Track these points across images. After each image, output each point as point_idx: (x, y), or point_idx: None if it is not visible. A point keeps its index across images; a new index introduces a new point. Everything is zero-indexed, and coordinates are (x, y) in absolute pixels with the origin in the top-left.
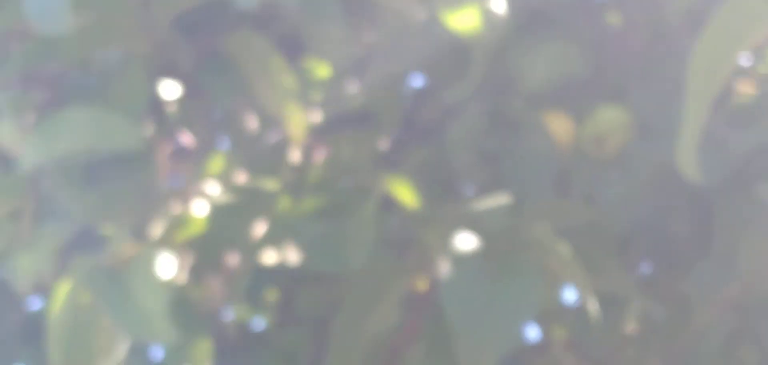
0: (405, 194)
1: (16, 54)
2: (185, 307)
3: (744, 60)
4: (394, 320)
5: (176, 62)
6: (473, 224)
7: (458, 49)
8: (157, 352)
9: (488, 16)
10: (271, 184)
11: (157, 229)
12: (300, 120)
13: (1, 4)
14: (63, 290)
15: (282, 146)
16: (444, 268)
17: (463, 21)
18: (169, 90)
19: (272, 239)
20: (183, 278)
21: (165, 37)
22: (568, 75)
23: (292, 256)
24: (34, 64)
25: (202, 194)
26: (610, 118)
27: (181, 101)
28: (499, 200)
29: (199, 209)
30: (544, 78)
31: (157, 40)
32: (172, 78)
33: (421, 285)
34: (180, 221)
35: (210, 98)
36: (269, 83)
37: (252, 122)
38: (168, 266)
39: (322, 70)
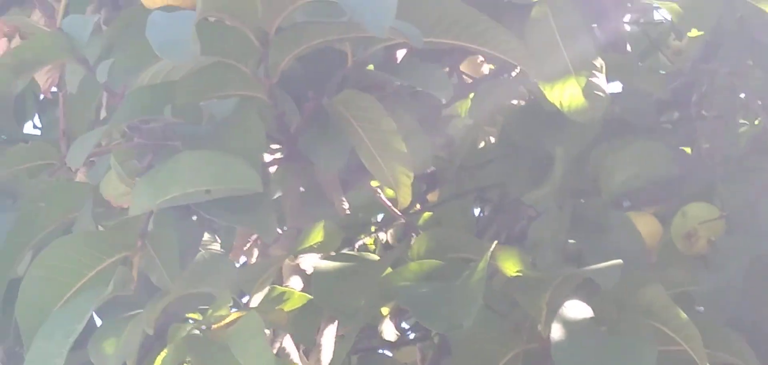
0: (509, 261)
1: (126, 103)
2: None
3: None
4: None
5: (284, 117)
6: (583, 287)
7: None
8: None
9: (591, 92)
10: (372, 255)
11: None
12: (408, 185)
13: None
14: (160, 359)
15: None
16: (556, 332)
17: (564, 96)
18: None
19: (377, 304)
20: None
21: (278, 87)
22: (653, 175)
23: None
24: (147, 112)
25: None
26: (700, 214)
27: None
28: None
29: (296, 283)
30: (629, 178)
31: (271, 90)
32: (279, 133)
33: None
34: (279, 294)
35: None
36: (380, 147)
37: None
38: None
39: None
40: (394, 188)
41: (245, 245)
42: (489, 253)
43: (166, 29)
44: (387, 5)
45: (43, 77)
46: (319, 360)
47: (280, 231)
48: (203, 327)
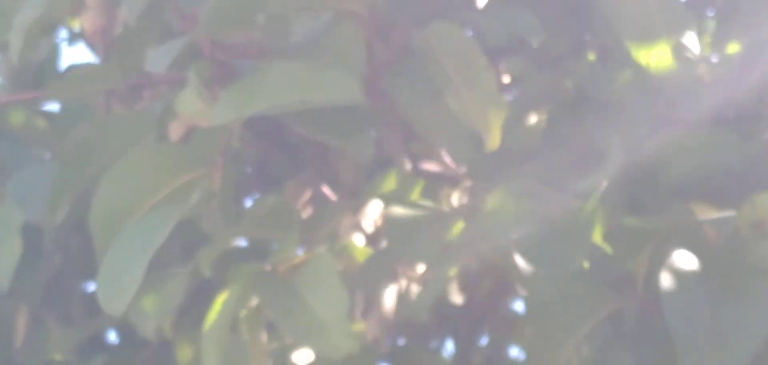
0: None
1: (212, 11)
2: None
3: None
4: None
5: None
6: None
7: None
8: None
9: (681, 53)
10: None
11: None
12: (498, 126)
13: None
14: (220, 301)
15: None
16: (665, 284)
17: (654, 56)
18: None
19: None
20: None
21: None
22: (716, 165)
23: None
24: (234, 23)
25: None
26: None
27: None
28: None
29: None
30: (690, 168)
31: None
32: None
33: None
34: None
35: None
36: (471, 86)
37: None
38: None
39: None
40: (483, 130)
41: (299, 200)
42: (598, 193)
43: None
44: None
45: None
46: (381, 319)
47: None
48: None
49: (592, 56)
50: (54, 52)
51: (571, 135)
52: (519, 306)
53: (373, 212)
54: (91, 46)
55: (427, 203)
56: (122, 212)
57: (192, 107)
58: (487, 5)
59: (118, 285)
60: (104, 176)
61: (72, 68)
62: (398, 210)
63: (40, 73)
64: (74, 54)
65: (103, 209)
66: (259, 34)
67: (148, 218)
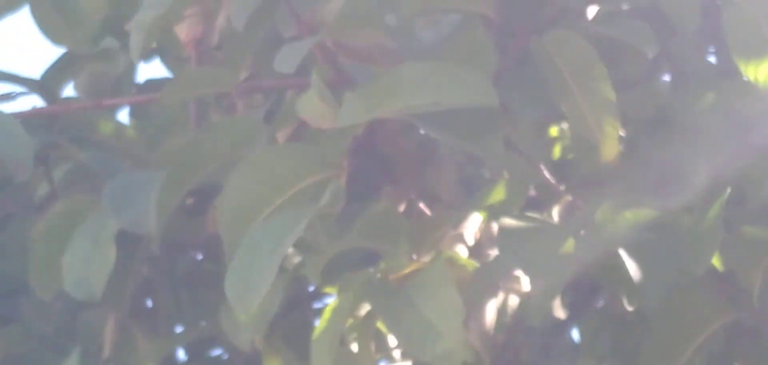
0: None
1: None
2: None
3: None
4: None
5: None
6: None
7: None
8: None
9: None
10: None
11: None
12: (615, 137)
13: None
14: (330, 309)
15: None
16: None
17: (763, 72)
18: None
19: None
20: None
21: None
22: None
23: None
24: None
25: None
26: None
27: None
28: None
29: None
30: None
31: (499, 6)
32: None
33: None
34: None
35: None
36: (588, 94)
37: None
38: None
39: None
40: (599, 140)
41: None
42: (724, 197)
43: None
44: None
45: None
46: (483, 331)
47: None
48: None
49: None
50: (131, 67)
51: (653, 157)
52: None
53: (473, 225)
54: (186, 54)
55: (537, 215)
56: (250, 211)
57: (314, 109)
58: (599, 16)
59: (248, 283)
60: (231, 176)
61: (183, 72)
62: (510, 221)
63: (117, 86)
64: (149, 69)
65: (231, 208)
66: (383, 37)
67: (278, 218)
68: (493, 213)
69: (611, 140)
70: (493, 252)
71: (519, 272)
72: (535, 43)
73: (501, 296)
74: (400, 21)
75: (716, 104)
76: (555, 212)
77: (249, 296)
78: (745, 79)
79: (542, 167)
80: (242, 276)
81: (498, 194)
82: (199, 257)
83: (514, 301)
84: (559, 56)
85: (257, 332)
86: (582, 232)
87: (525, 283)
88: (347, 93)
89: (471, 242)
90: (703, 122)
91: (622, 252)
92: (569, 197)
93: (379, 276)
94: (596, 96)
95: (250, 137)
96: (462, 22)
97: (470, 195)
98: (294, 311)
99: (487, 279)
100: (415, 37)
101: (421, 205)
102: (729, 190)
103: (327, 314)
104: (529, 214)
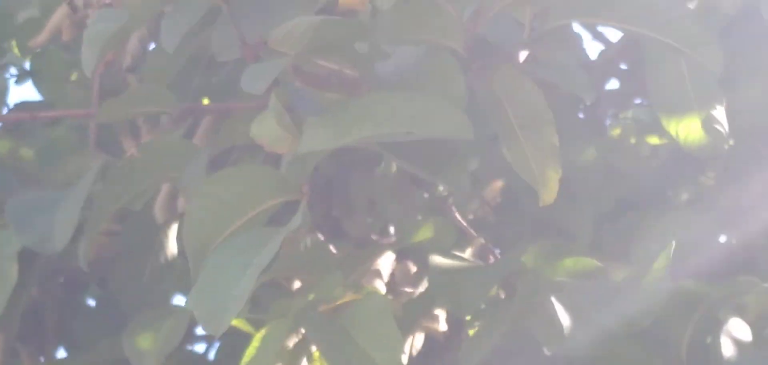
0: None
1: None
2: None
3: None
4: None
5: None
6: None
7: None
8: None
9: (711, 126)
10: None
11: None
12: (556, 182)
13: None
14: (260, 336)
15: None
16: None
17: (681, 128)
18: None
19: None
20: None
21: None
22: None
23: None
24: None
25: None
26: None
27: None
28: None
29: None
30: None
31: (470, 40)
32: None
33: None
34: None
35: None
36: (532, 138)
37: None
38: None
39: None
40: (539, 184)
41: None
42: (670, 250)
43: None
44: None
45: None
46: None
47: None
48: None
49: None
50: (3, 90)
51: None
52: None
53: (387, 262)
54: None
55: (464, 255)
56: (212, 232)
57: (271, 132)
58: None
59: (218, 303)
60: (194, 197)
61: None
62: (441, 260)
63: None
64: (22, 92)
65: (196, 227)
66: (344, 64)
67: (246, 239)
68: (421, 250)
69: (551, 185)
70: (408, 289)
71: (439, 311)
72: (485, 81)
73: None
74: (372, 49)
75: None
76: (468, 253)
77: (220, 315)
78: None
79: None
80: (210, 295)
81: (426, 231)
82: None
83: (419, 340)
84: (504, 94)
85: (159, 360)
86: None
87: (442, 322)
88: (310, 118)
89: (387, 276)
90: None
91: (553, 298)
92: (482, 241)
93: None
94: (540, 141)
95: (185, 159)
96: (429, 52)
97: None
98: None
99: (415, 314)
100: (373, 67)
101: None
102: (674, 244)
103: (257, 341)
104: (457, 253)
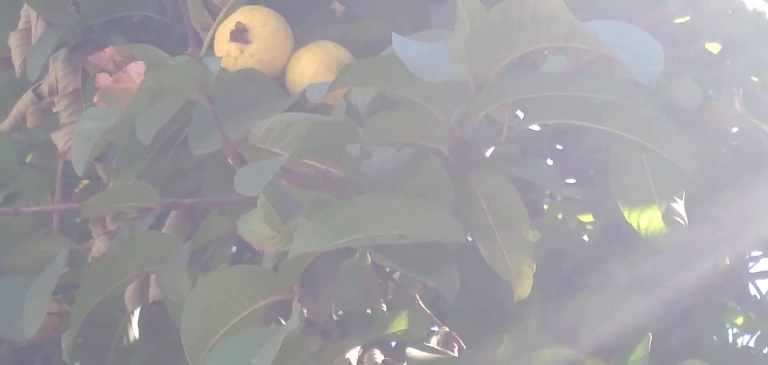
0: None
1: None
2: None
3: None
4: None
5: None
6: None
7: None
8: None
9: (671, 217)
10: None
11: None
12: (530, 276)
13: None
14: None
15: None
16: None
17: (644, 221)
18: None
19: None
20: None
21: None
22: None
23: None
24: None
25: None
26: None
27: None
28: None
29: None
30: None
31: (457, 144)
32: None
33: None
34: None
35: None
36: (506, 234)
37: None
38: None
39: None
40: (514, 279)
41: None
42: (648, 341)
43: (419, 50)
44: (656, 56)
45: (62, 139)
46: None
47: None
48: None
49: None
50: None
51: None
52: None
53: (354, 353)
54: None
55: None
56: (210, 330)
57: (259, 231)
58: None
59: None
60: (190, 297)
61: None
62: (417, 353)
63: None
64: None
65: (193, 326)
66: (331, 163)
67: (245, 339)
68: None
69: (526, 279)
70: None
71: None
72: (461, 179)
73: None
74: (362, 151)
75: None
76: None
77: None
78: None
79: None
80: None
81: (400, 323)
82: None
83: None
84: (480, 192)
85: None
86: None
87: None
88: (301, 220)
89: None
90: None
91: None
92: (446, 329)
93: None
94: (514, 235)
95: (165, 253)
96: (415, 155)
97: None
98: None
99: None
100: (360, 167)
101: None
102: (650, 335)
103: None
104: (431, 346)
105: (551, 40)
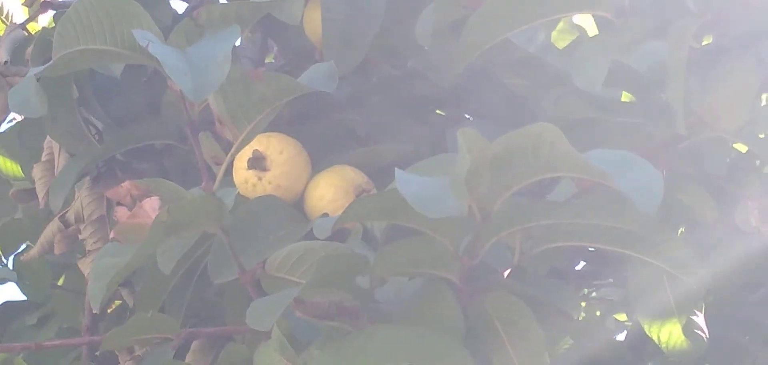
0: None
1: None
2: None
3: None
4: None
5: None
6: None
7: None
8: None
9: (691, 330)
10: None
11: None
12: None
13: None
14: None
15: None
16: None
17: (663, 333)
18: None
19: None
20: None
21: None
22: None
23: None
24: (335, 282)
25: None
26: None
27: None
28: None
29: None
30: None
31: (467, 274)
32: None
33: None
34: None
35: None
36: (524, 358)
37: None
38: None
39: None
40: None
41: None
42: None
43: (420, 185)
44: (656, 186)
45: (88, 266)
46: None
47: None
48: None
49: None
50: None
51: None
52: None
53: None
54: None
55: None
56: None
57: (273, 363)
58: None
59: None
60: None
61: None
62: None
63: None
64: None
65: None
66: (343, 294)
67: None
68: None
69: None
70: None
71: None
72: (476, 303)
73: None
74: (375, 281)
75: None
76: None
77: None
78: None
79: None
80: None
81: None
82: None
83: None
84: (497, 317)
85: None
86: None
87: None
88: (314, 351)
89: None
90: None
91: None
92: None
93: None
94: (532, 359)
95: None
96: (426, 285)
97: None
98: None
99: None
100: (373, 297)
101: None
102: None
103: None
104: None
105: (553, 171)
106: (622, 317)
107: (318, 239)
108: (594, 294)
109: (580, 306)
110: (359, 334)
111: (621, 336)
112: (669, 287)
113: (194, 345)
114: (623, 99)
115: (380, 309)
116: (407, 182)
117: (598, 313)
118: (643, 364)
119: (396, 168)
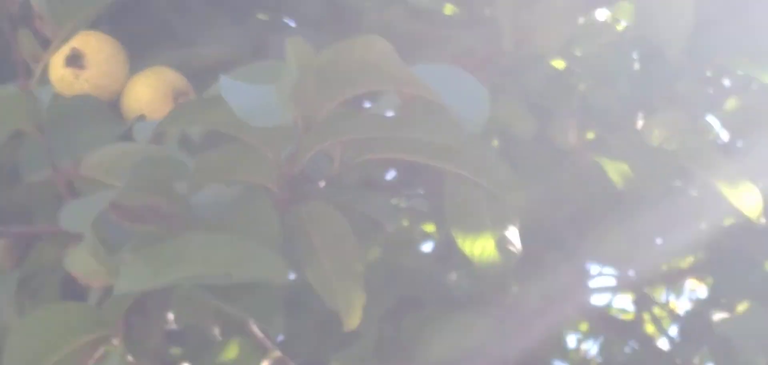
0: None
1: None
2: None
3: None
4: None
5: None
6: None
7: None
8: None
9: (504, 246)
10: None
11: None
12: (359, 308)
13: None
14: None
15: None
16: None
17: (476, 248)
18: None
19: None
20: None
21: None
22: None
23: None
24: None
25: None
26: None
27: None
28: None
29: None
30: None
31: (285, 182)
32: None
33: None
34: None
35: None
36: (337, 265)
37: None
38: None
39: None
40: (343, 309)
41: None
42: None
43: (246, 94)
44: (482, 102)
45: None
46: None
47: None
48: None
49: None
50: None
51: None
52: None
53: None
54: None
55: None
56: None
57: (86, 266)
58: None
59: None
60: (12, 332)
61: None
62: None
63: None
64: None
65: (16, 360)
66: (160, 198)
67: None
68: None
69: (355, 311)
70: None
71: None
72: (291, 212)
73: None
74: (190, 189)
75: None
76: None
77: None
78: None
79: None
80: None
81: (231, 351)
82: None
83: None
84: (312, 228)
85: None
86: None
87: None
88: (127, 256)
89: None
90: None
91: None
92: (277, 353)
93: None
94: (345, 268)
95: None
96: (244, 192)
97: None
98: None
99: None
100: (189, 204)
101: None
102: None
103: None
104: None
105: (381, 84)
106: (430, 228)
107: (134, 142)
108: (403, 204)
109: (396, 216)
110: (173, 240)
111: (427, 247)
112: (486, 203)
113: (0, 243)
114: (446, 12)
115: (197, 215)
116: (233, 91)
117: (405, 223)
118: (449, 274)
119: (220, 74)
